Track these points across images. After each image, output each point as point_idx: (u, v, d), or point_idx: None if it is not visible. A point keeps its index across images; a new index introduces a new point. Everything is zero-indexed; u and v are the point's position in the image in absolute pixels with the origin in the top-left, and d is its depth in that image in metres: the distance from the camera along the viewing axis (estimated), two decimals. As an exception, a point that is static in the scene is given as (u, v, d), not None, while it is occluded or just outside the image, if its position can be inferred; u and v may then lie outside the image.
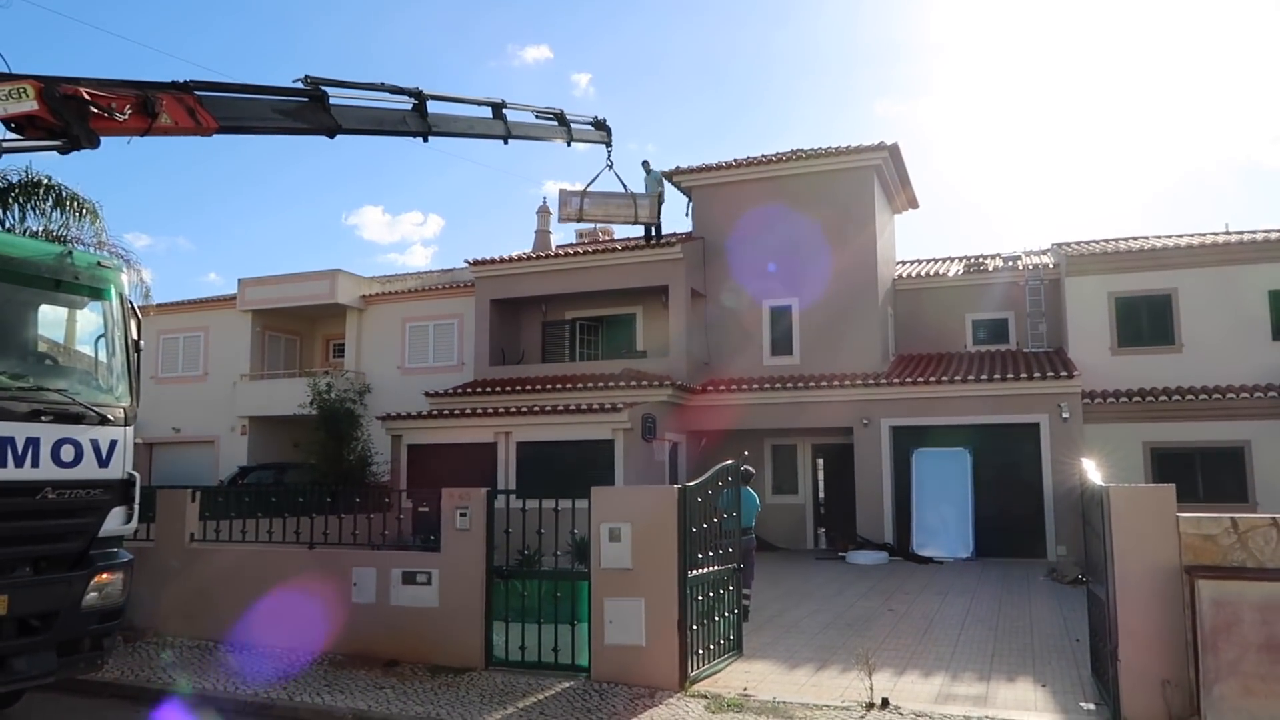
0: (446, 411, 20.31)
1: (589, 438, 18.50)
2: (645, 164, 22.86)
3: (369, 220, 76.56)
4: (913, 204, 25.63)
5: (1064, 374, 19.01)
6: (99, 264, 7.04)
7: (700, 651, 8.54)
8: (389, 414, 20.37)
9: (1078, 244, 23.71)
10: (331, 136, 9.97)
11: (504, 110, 12.63)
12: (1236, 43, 79.28)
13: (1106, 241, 23.70)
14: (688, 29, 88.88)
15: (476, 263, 23.52)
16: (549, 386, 20.95)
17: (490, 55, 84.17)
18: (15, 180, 14.59)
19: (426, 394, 21.63)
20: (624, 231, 25.51)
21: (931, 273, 24.83)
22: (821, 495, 22.44)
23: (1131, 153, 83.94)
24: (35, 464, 6.31)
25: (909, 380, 20.05)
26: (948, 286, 24.13)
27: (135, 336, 7.35)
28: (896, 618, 11.97)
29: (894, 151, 22.24)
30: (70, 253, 6.83)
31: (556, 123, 14.09)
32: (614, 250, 22.70)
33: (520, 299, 23.69)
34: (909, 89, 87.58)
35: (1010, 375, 19.34)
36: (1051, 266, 23.10)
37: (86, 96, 7.71)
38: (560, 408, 19.07)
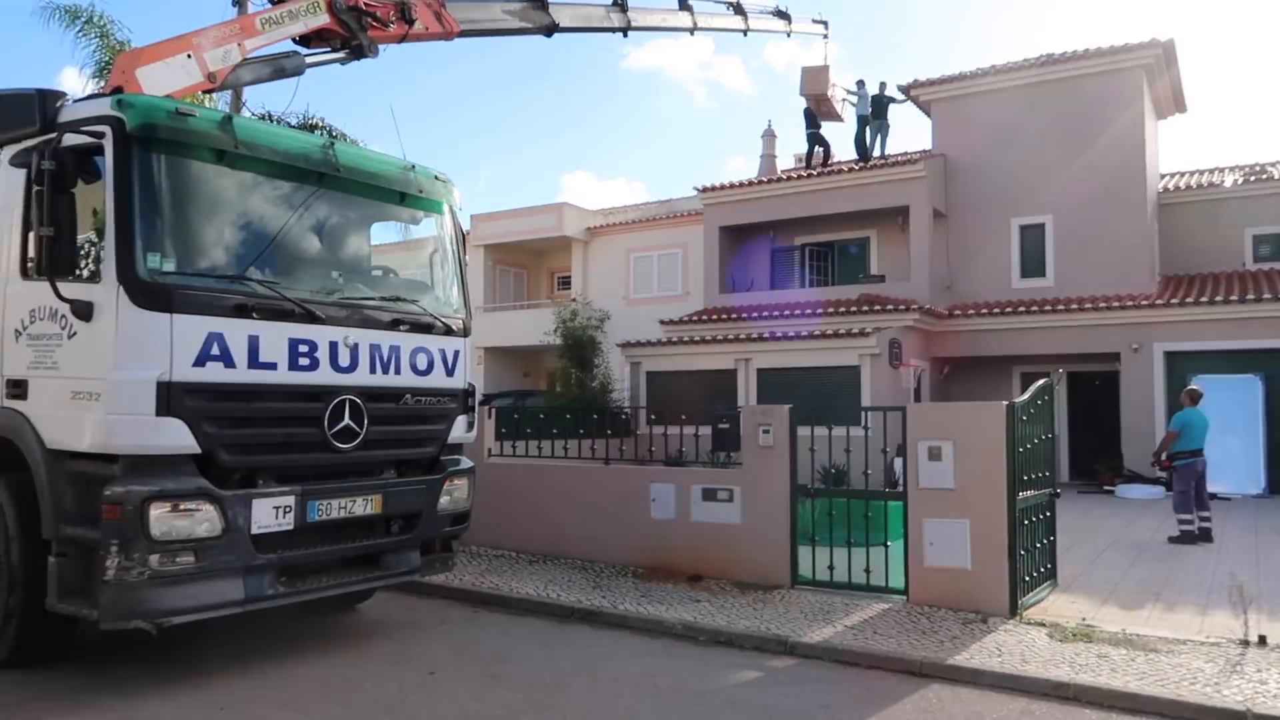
0: (686, 339, 20.29)
1: (833, 364, 17.96)
2: (859, 83, 22.04)
3: (580, 183, 77.98)
4: (1180, 108, 23.08)
5: (1382, 290, 16.70)
6: (436, 178, 7.16)
7: (1026, 579, 8.02)
8: (629, 341, 20.56)
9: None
10: (549, 35, 10.23)
11: (690, 1, 12.59)
12: None
13: None
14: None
15: (706, 189, 23.20)
16: (784, 313, 20.49)
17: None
18: (295, 123, 15.58)
19: (661, 322, 21.67)
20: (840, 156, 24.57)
21: (1204, 183, 22.32)
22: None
23: None
24: (397, 371, 6.55)
25: (1188, 301, 18.21)
26: (1223, 198, 21.61)
27: (464, 252, 7.50)
28: (1211, 553, 10.93)
29: (1168, 49, 19.99)
30: (414, 167, 6.97)
31: (734, 11, 13.97)
32: (849, 171, 21.74)
33: (748, 225, 23.19)
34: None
35: (1315, 293, 17.18)
36: (1353, 171, 20.27)
37: (364, 6, 7.99)
38: (805, 334, 18.58)
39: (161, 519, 5.22)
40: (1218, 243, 21.36)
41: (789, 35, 16.68)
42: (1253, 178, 21.81)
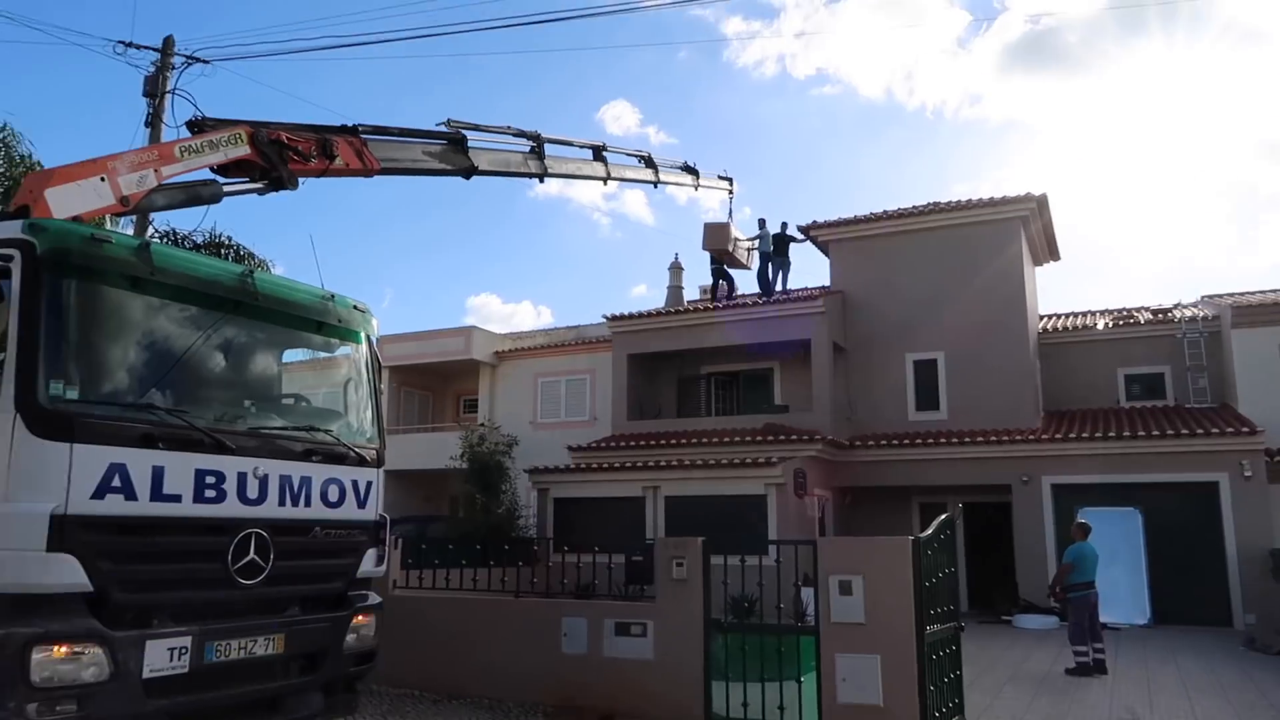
0: (594, 465, 20.24)
1: (740, 492, 18.14)
2: (761, 222, 23.18)
3: (486, 305, 78.48)
4: (1054, 255, 24.87)
5: (1244, 430, 17.93)
6: (355, 307, 7.16)
7: (936, 715, 8.06)
8: (537, 467, 20.39)
9: (1233, 295, 22.65)
10: (468, 178, 10.47)
11: (604, 153, 13.06)
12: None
13: (1270, 292, 22.52)
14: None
15: (615, 318, 23.64)
16: (690, 441, 20.73)
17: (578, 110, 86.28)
18: (200, 240, 15.35)
19: (569, 448, 21.63)
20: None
21: (1078, 325, 23.91)
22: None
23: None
24: (307, 503, 6.36)
25: (1070, 436, 19.18)
26: (1097, 340, 23.18)
27: (380, 381, 7.43)
28: (1107, 685, 11.21)
29: (1042, 203, 21.65)
30: (333, 296, 6.96)
31: (645, 165, 14.60)
32: (753, 305, 22.52)
33: (656, 354, 23.62)
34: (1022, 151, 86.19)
35: (1185, 431, 18.31)
36: (1210, 318, 22.02)
37: (286, 140, 8.08)
38: (713, 462, 18.78)
39: (44, 664, 4.86)
40: (1093, 381, 22.73)
41: (696, 189, 17.43)
42: (1122, 322, 23.48)
